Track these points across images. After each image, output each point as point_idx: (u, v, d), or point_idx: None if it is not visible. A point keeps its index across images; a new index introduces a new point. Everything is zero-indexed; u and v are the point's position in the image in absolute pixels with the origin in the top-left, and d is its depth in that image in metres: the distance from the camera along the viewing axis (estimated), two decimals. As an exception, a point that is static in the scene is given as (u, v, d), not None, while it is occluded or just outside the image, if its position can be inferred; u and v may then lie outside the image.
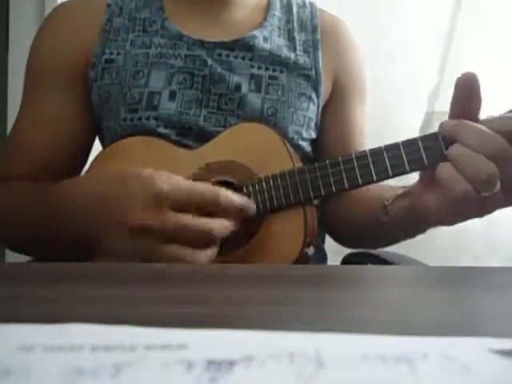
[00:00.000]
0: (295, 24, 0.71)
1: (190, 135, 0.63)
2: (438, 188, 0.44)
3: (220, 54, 0.65)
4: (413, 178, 0.51)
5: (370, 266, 0.65)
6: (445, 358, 0.16)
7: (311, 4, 0.75)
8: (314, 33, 0.71)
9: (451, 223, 0.48)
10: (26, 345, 0.16)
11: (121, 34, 0.66)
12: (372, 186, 0.54)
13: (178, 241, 0.46)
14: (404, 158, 0.48)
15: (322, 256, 0.72)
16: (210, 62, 0.64)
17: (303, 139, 0.67)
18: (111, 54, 0.65)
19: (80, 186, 0.51)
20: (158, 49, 0.65)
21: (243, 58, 0.66)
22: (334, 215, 0.70)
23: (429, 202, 0.46)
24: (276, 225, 0.55)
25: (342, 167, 0.52)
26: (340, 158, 0.52)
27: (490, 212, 0.45)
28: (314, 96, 0.68)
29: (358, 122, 0.73)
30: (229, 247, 0.53)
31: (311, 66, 0.69)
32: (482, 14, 1.42)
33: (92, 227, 0.48)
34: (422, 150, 0.47)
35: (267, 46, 0.67)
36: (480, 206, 0.43)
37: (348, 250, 0.75)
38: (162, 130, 0.62)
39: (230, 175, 0.57)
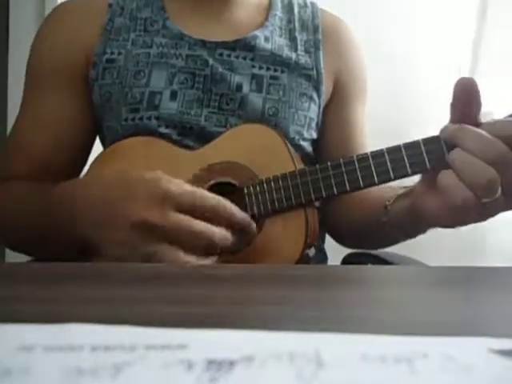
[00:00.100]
0: (296, 24, 0.71)
1: (191, 135, 0.63)
2: (439, 193, 0.44)
3: (221, 54, 0.65)
4: (414, 178, 0.50)
5: (369, 265, 0.65)
6: (445, 358, 0.16)
7: (312, 4, 0.75)
8: (315, 33, 0.71)
9: (452, 227, 0.47)
10: (26, 345, 0.16)
11: (122, 33, 0.66)
12: (373, 188, 0.54)
13: (178, 243, 0.45)
14: (406, 160, 0.48)
15: (322, 256, 0.72)
16: (211, 61, 0.64)
17: (304, 139, 0.67)
18: (112, 53, 0.65)
19: (82, 188, 0.51)
20: (160, 48, 0.65)
21: (244, 58, 0.66)
22: (335, 216, 0.70)
23: (429, 204, 0.46)
24: (277, 226, 0.55)
25: (343, 169, 0.52)
26: (341, 159, 0.52)
27: (491, 216, 0.45)
28: (315, 96, 0.68)
29: (358, 122, 0.73)
30: (230, 248, 0.53)
31: (312, 66, 0.69)
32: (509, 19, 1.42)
33: (93, 229, 0.47)
34: (424, 154, 0.47)
35: (268, 45, 0.67)
36: (481, 212, 0.43)
37: (348, 250, 0.75)
38: (163, 129, 0.62)
39: (231, 176, 0.57)
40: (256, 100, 0.64)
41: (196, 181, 0.57)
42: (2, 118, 1.31)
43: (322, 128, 0.71)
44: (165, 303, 0.25)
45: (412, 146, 0.48)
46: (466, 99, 0.43)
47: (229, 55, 0.65)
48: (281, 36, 0.69)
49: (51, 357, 0.15)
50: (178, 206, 0.45)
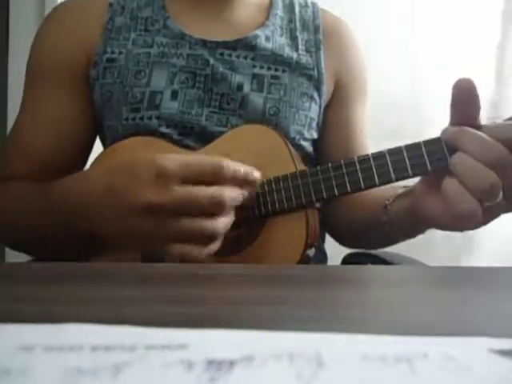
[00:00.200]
0: (297, 24, 0.71)
1: (192, 135, 0.63)
2: (442, 199, 0.44)
3: (222, 54, 0.65)
4: (415, 178, 0.50)
5: (369, 265, 0.65)
6: (445, 358, 0.16)
7: (313, 4, 0.75)
8: (316, 33, 0.71)
9: (453, 231, 0.47)
10: (25, 345, 0.16)
11: (122, 32, 0.66)
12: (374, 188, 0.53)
13: (189, 214, 0.45)
14: (407, 162, 0.48)
15: (322, 256, 0.72)
16: (212, 61, 0.64)
17: (305, 139, 0.67)
18: (113, 53, 0.65)
19: (81, 182, 0.51)
20: (160, 48, 0.65)
21: (245, 58, 0.66)
22: (336, 216, 0.70)
23: (431, 206, 0.46)
24: (278, 227, 0.55)
25: (344, 170, 0.51)
26: (342, 161, 0.52)
27: (492, 220, 0.44)
28: (316, 96, 0.68)
29: (358, 122, 0.73)
30: (231, 249, 0.53)
31: (313, 65, 0.69)
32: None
33: (100, 221, 0.47)
34: (425, 155, 0.47)
35: (269, 45, 0.67)
36: (483, 216, 0.43)
37: (348, 250, 0.75)
38: (163, 129, 0.62)
39: None
40: (257, 100, 0.64)
41: None
42: (2, 117, 1.31)
43: (322, 128, 0.71)
44: (165, 303, 0.25)
45: (413, 148, 0.48)
46: (464, 100, 0.43)
47: (230, 55, 0.65)
48: (282, 35, 0.69)
49: (51, 357, 0.15)
50: (180, 180, 0.45)
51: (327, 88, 0.70)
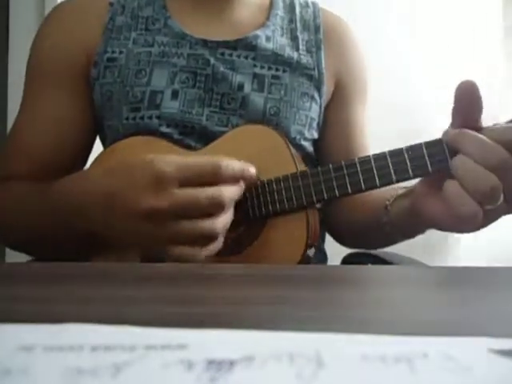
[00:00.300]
0: (298, 24, 0.71)
1: (193, 134, 0.63)
2: (443, 201, 0.44)
3: (223, 54, 0.65)
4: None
5: (369, 266, 0.65)
6: (445, 358, 0.16)
7: (314, 4, 0.75)
8: (316, 33, 0.71)
9: (452, 231, 0.47)
10: (25, 345, 0.16)
11: (123, 32, 0.66)
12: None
13: (189, 216, 0.46)
14: (408, 163, 0.48)
15: (322, 256, 0.72)
16: (212, 61, 0.64)
17: (305, 139, 0.67)
18: (113, 52, 0.65)
19: (83, 181, 0.51)
20: (161, 47, 0.65)
21: (246, 58, 0.66)
22: (336, 217, 0.70)
23: (431, 207, 0.46)
24: (278, 228, 0.55)
25: (345, 171, 0.51)
26: (343, 162, 0.52)
27: (492, 222, 0.44)
28: (316, 96, 0.68)
29: (358, 122, 0.73)
30: (232, 250, 0.53)
31: (314, 65, 0.69)
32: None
33: (100, 222, 0.48)
34: (426, 157, 0.47)
35: (270, 45, 0.67)
36: (483, 219, 0.43)
37: (348, 250, 0.75)
38: (164, 129, 0.62)
39: None
40: (257, 99, 0.64)
41: None
42: (2, 117, 1.31)
43: (322, 128, 0.71)
44: (165, 303, 0.25)
45: (414, 149, 0.48)
46: (467, 102, 0.43)
47: (230, 54, 0.65)
48: (282, 36, 0.69)
49: (51, 357, 0.15)
50: (177, 182, 0.45)
51: (327, 88, 0.70)
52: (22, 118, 0.67)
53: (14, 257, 0.68)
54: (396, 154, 0.49)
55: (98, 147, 0.71)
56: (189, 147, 0.62)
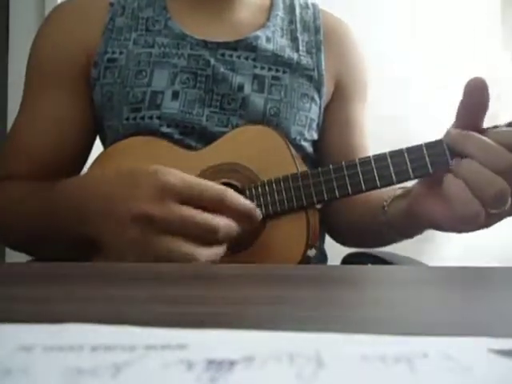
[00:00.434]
0: (298, 25, 0.71)
1: (193, 135, 0.63)
2: (444, 200, 0.43)
3: (223, 54, 0.65)
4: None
5: (369, 265, 0.65)
6: (445, 358, 0.16)
7: (314, 5, 0.75)
8: (316, 34, 0.71)
9: (452, 232, 0.47)
10: (25, 345, 0.16)
11: (123, 33, 0.66)
12: None
13: (181, 235, 0.44)
14: (408, 164, 0.48)
15: (322, 256, 0.72)
16: (212, 61, 0.64)
17: (305, 140, 0.67)
18: (114, 53, 0.65)
19: (83, 185, 0.50)
20: (161, 48, 0.65)
21: (246, 58, 0.66)
22: (335, 217, 0.70)
23: (430, 208, 0.46)
24: (278, 228, 0.55)
25: (345, 172, 0.51)
26: (344, 163, 0.52)
27: (494, 223, 0.44)
28: (316, 97, 0.69)
29: (358, 122, 0.73)
30: (231, 250, 0.53)
31: (314, 66, 0.69)
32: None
33: (96, 224, 0.47)
34: (427, 158, 0.47)
35: (270, 46, 0.67)
36: (487, 220, 0.42)
37: (348, 250, 0.75)
38: (164, 129, 0.62)
39: (232, 178, 0.57)
40: (257, 100, 0.64)
41: None
42: (2, 117, 1.31)
43: (322, 129, 0.71)
44: (165, 303, 0.25)
45: (415, 150, 0.48)
46: (476, 99, 0.43)
47: (230, 55, 0.65)
48: (282, 36, 0.69)
49: (51, 357, 0.15)
50: (178, 198, 0.44)
51: (327, 89, 0.70)
52: (22, 117, 0.67)
53: (13, 257, 0.68)
54: (396, 154, 0.49)
55: (98, 147, 0.71)
56: (189, 147, 0.62)
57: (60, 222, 0.50)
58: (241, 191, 0.56)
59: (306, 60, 0.69)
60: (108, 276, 0.33)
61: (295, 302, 0.25)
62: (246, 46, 0.66)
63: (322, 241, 0.73)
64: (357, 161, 0.51)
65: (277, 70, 0.67)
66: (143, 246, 0.44)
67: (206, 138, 0.62)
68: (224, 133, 0.61)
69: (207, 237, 0.45)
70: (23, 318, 0.19)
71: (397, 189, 0.55)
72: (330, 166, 0.52)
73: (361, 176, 0.50)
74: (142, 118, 0.63)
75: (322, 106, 0.70)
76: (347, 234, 0.72)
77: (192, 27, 0.66)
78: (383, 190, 0.56)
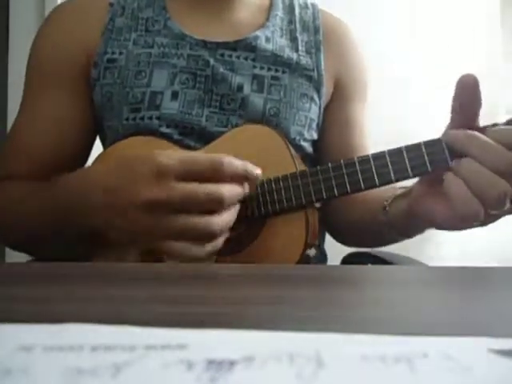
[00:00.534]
0: (297, 25, 0.71)
1: (192, 135, 0.63)
2: (444, 199, 0.44)
3: (222, 55, 0.65)
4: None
5: (369, 265, 0.65)
6: (445, 358, 0.16)
7: (313, 5, 0.75)
8: (316, 34, 0.71)
9: (452, 231, 0.47)
10: (25, 345, 0.16)
11: (123, 33, 0.66)
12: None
13: (188, 211, 0.45)
14: (407, 163, 0.48)
15: (321, 256, 0.72)
16: (212, 62, 0.64)
17: (305, 140, 0.67)
18: (113, 53, 0.65)
19: (84, 179, 0.51)
20: (161, 48, 0.65)
21: (246, 59, 0.66)
22: (335, 216, 0.70)
23: (430, 207, 0.46)
24: (278, 227, 0.55)
25: (344, 171, 0.51)
26: (342, 161, 0.52)
27: (493, 221, 0.44)
28: (315, 97, 0.68)
29: (358, 122, 0.73)
30: (231, 249, 0.53)
31: (313, 66, 0.69)
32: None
33: (102, 220, 0.47)
34: (426, 156, 0.47)
35: (269, 46, 0.67)
36: (486, 219, 0.42)
37: (348, 250, 0.75)
38: (164, 129, 0.62)
39: None
40: (257, 100, 0.64)
41: None
42: (2, 117, 1.31)
43: (322, 129, 0.71)
44: (164, 303, 0.25)
45: (413, 149, 0.48)
46: (467, 96, 0.43)
47: (230, 55, 0.65)
48: (282, 37, 0.69)
49: (51, 357, 0.15)
50: (176, 176, 0.45)
51: (327, 89, 0.70)
52: (22, 117, 0.67)
53: (13, 257, 0.68)
54: (395, 153, 0.49)
55: (98, 147, 0.71)
56: (188, 147, 0.62)
57: (62, 218, 0.50)
58: None
59: (305, 60, 0.69)
60: (108, 276, 0.33)
61: (295, 302, 0.25)
62: (246, 46, 0.66)
63: (322, 241, 0.73)
64: (356, 159, 0.51)
65: (276, 70, 0.67)
66: (157, 231, 0.45)
67: (206, 138, 0.62)
68: (223, 133, 0.61)
69: (214, 205, 0.46)
70: (23, 318, 0.19)
71: (397, 188, 0.55)
72: (329, 165, 0.52)
73: (360, 174, 0.51)
74: (142, 118, 0.63)
75: (322, 106, 0.70)
76: (347, 233, 0.72)
77: (191, 27, 0.66)
78: (383, 189, 0.56)
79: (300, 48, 0.69)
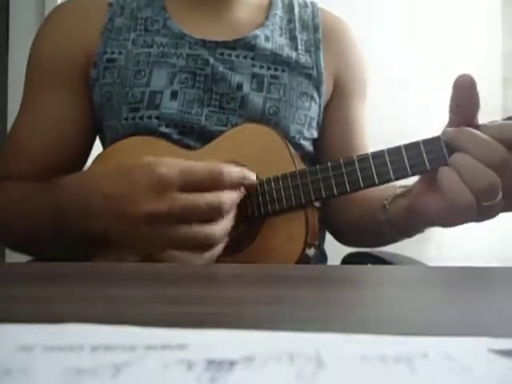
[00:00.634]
0: (297, 23, 0.71)
1: (192, 134, 0.63)
2: (438, 192, 0.44)
3: (222, 54, 0.65)
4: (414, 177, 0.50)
5: (369, 265, 0.65)
6: (445, 358, 0.16)
7: (313, 4, 0.75)
8: (315, 32, 0.71)
9: (450, 226, 0.48)
10: (25, 345, 0.16)
11: (122, 33, 0.66)
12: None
13: (188, 221, 0.45)
14: (406, 161, 0.48)
15: (321, 256, 0.72)
16: (211, 61, 0.64)
17: (305, 138, 0.67)
18: (113, 53, 0.65)
19: (84, 182, 0.51)
20: (160, 48, 0.65)
21: (245, 58, 0.66)
22: (335, 215, 0.70)
23: (428, 202, 0.46)
24: (277, 226, 0.55)
25: (343, 170, 0.51)
26: (342, 160, 0.52)
27: (490, 218, 0.45)
28: (315, 95, 0.68)
29: (357, 121, 0.73)
30: (231, 249, 0.53)
31: (313, 65, 0.69)
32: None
33: (101, 225, 0.47)
34: (424, 154, 0.47)
35: (269, 45, 0.67)
36: (480, 213, 0.43)
37: (348, 250, 0.75)
38: (163, 129, 0.62)
39: None
40: (257, 99, 0.64)
41: None
42: (2, 117, 1.31)
43: (321, 127, 0.71)
44: (164, 303, 0.25)
45: (412, 147, 0.48)
46: (465, 97, 0.43)
47: (229, 55, 0.65)
48: (281, 35, 0.69)
49: (51, 357, 0.15)
50: (177, 186, 0.45)
51: (327, 87, 0.70)
52: (22, 118, 0.67)
53: (13, 257, 0.68)
54: (394, 151, 0.49)
55: (97, 147, 0.71)
56: (188, 147, 0.62)
57: (61, 219, 0.50)
58: None
59: (304, 59, 0.69)
60: (108, 276, 0.33)
61: (295, 302, 0.25)
62: (245, 45, 0.66)
63: (322, 240, 0.73)
64: (355, 158, 0.51)
65: (276, 69, 0.67)
66: (157, 242, 0.46)
67: (205, 137, 0.62)
68: (223, 132, 0.61)
69: (214, 214, 0.47)
70: (23, 318, 0.19)
71: (397, 187, 0.55)
72: (328, 164, 0.52)
73: (359, 173, 0.51)
74: (141, 117, 0.63)
75: (322, 105, 0.70)
76: (347, 233, 0.72)
77: (191, 27, 0.66)
78: (383, 188, 0.56)
79: (299, 47, 0.69)
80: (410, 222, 0.52)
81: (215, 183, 0.47)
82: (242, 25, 0.68)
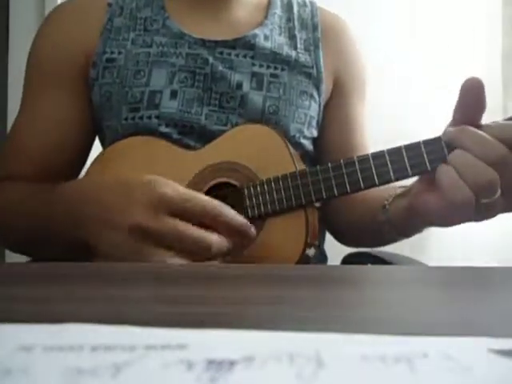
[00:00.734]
0: (296, 22, 0.71)
1: (192, 134, 0.63)
2: (438, 191, 0.44)
3: (221, 53, 0.65)
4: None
5: (369, 265, 0.65)
6: (445, 358, 0.16)
7: (311, 3, 0.75)
8: (314, 31, 0.71)
9: (449, 225, 0.48)
10: (25, 345, 0.16)
11: (122, 33, 0.66)
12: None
13: (175, 248, 0.45)
14: (406, 162, 0.48)
15: (321, 256, 0.72)
16: (211, 60, 0.64)
17: (305, 137, 0.67)
18: (112, 53, 0.65)
19: (83, 191, 0.51)
20: (160, 48, 0.65)
21: (244, 57, 0.66)
22: (335, 215, 0.70)
23: (428, 203, 0.46)
24: (277, 226, 0.55)
25: (343, 170, 0.51)
26: (342, 161, 0.52)
27: (489, 218, 0.45)
28: (315, 94, 0.69)
29: (357, 120, 0.73)
30: (228, 254, 0.53)
31: (312, 64, 0.69)
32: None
33: (94, 235, 0.47)
34: (425, 155, 0.47)
35: (268, 44, 0.67)
36: (480, 212, 0.43)
37: (348, 250, 0.75)
38: (163, 128, 0.62)
39: (231, 177, 0.57)
40: (256, 98, 0.64)
41: (196, 181, 0.57)
42: (2, 117, 1.31)
43: (321, 126, 0.71)
44: (164, 303, 0.25)
45: (413, 148, 0.48)
46: (472, 99, 0.43)
47: (229, 54, 0.65)
48: (280, 34, 0.69)
49: (51, 357, 0.15)
50: (173, 210, 0.44)
51: (326, 86, 0.70)
52: (22, 118, 0.67)
53: (13, 257, 0.68)
54: (394, 152, 0.49)
55: (97, 147, 0.71)
56: (188, 147, 0.62)
57: (57, 225, 0.50)
58: (239, 190, 0.56)
59: (304, 57, 0.69)
60: (108, 276, 0.33)
61: (295, 302, 0.25)
62: (244, 44, 0.66)
63: (322, 240, 0.73)
64: (355, 158, 0.51)
65: (275, 68, 0.67)
66: (137, 256, 0.45)
67: (205, 137, 0.62)
68: (223, 131, 0.61)
69: (200, 252, 0.45)
70: (23, 317, 0.19)
71: (397, 188, 0.55)
72: (329, 165, 0.52)
73: (359, 174, 0.51)
74: (141, 117, 0.63)
75: (322, 104, 0.70)
76: (347, 233, 0.72)
77: (190, 26, 0.66)
78: (383, 189, 0.56)
79: (299, 45, 0.69)
80: (410, 222, 0.52)
81: (212, 222, 0.46)
82: (241, 24, 0.68)
